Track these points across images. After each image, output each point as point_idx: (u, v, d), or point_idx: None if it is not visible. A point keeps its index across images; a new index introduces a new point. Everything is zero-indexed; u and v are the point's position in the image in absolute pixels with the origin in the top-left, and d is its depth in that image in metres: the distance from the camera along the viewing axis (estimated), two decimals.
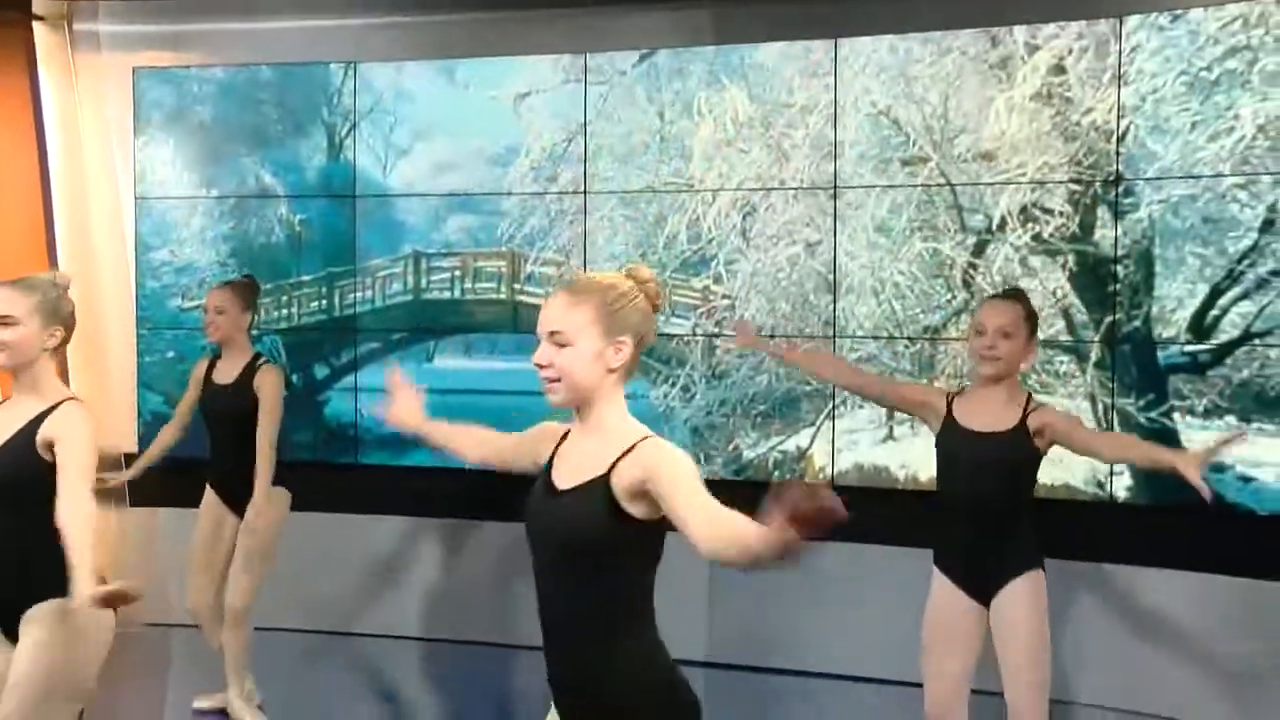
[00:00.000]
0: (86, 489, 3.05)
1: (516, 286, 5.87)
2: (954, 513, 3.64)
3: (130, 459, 6.09)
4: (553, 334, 2.37)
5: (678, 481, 2.26)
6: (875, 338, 5.39)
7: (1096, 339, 4.99)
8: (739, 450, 5.58)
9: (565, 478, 2.41)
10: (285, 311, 6.07)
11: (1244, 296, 4.79)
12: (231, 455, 4.80)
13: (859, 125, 5.38)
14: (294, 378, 5.98)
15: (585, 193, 5.75)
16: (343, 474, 6.10)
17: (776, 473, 5.53)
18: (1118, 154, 4.97)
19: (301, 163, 6.08)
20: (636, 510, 2.29)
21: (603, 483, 2.32)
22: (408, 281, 5.99)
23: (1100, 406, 5.00)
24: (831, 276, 5.44)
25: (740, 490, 5.44)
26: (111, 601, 2.87)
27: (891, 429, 5.37)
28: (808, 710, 5.36)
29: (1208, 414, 4.86)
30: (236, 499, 4.88)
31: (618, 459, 2.33)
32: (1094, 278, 5.03)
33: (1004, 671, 3.61)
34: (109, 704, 4.94)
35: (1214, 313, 4.84)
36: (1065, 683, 4.89)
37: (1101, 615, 5.04)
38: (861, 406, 5.39)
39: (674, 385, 5.67)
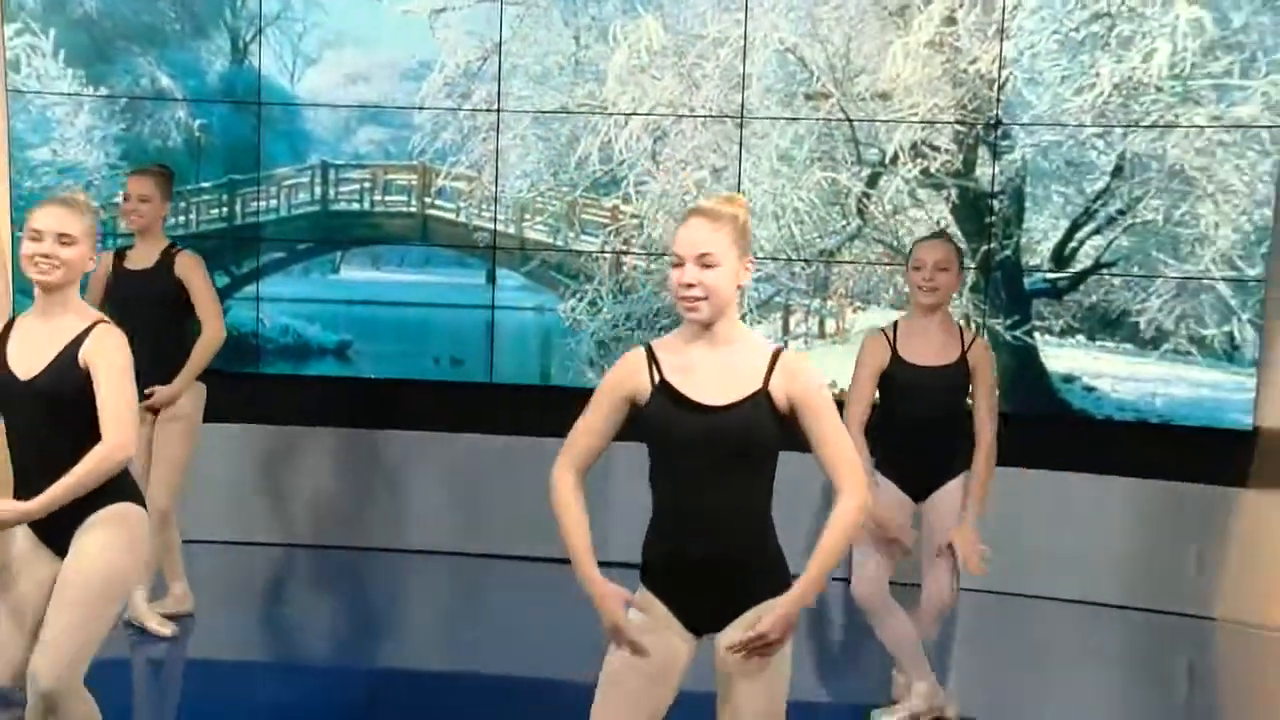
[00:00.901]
0: (127, 407, 3.15)
1: (427, 200, 6.00)
2: (899, 430, 4.07)
3: None
4: (701, 256, 2.63)
5: (824, 410, 2.63)
6: (775, 259, 5.87)
7: (974, 265, 5.66)
8: None
9: (712, 393, 2.65)
10: (183, 218, 5.96)
11: (1096, 232, 5.56)
12: (147, 344, 4.50)
13: (767, 60, 5.80)
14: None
15: (499, 110, 5.93)
16: (244, 383, 6.09)
17: None
18: (998, 100, 5.61)
19: (202, 66, 5.95)
20: (787, 415, 2.64)
21: (764, 395, 2.63)
22: (315, 192, 6.01)
23: (974, 325, 5.68)
24: None
25: None
26: None
27: (786, 343, 5.89)
28: None
29: (1063, 334, 5.64)
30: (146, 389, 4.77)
31: (768, 373, 2.64)
32: (973, 210, 5.68)
33: (931, 552, 4.13)
34: None
35: (1072, 245, 5.59)
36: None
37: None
38: (759, 321, 5.90)
39: (581, 300, 5.98)
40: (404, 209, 5.99)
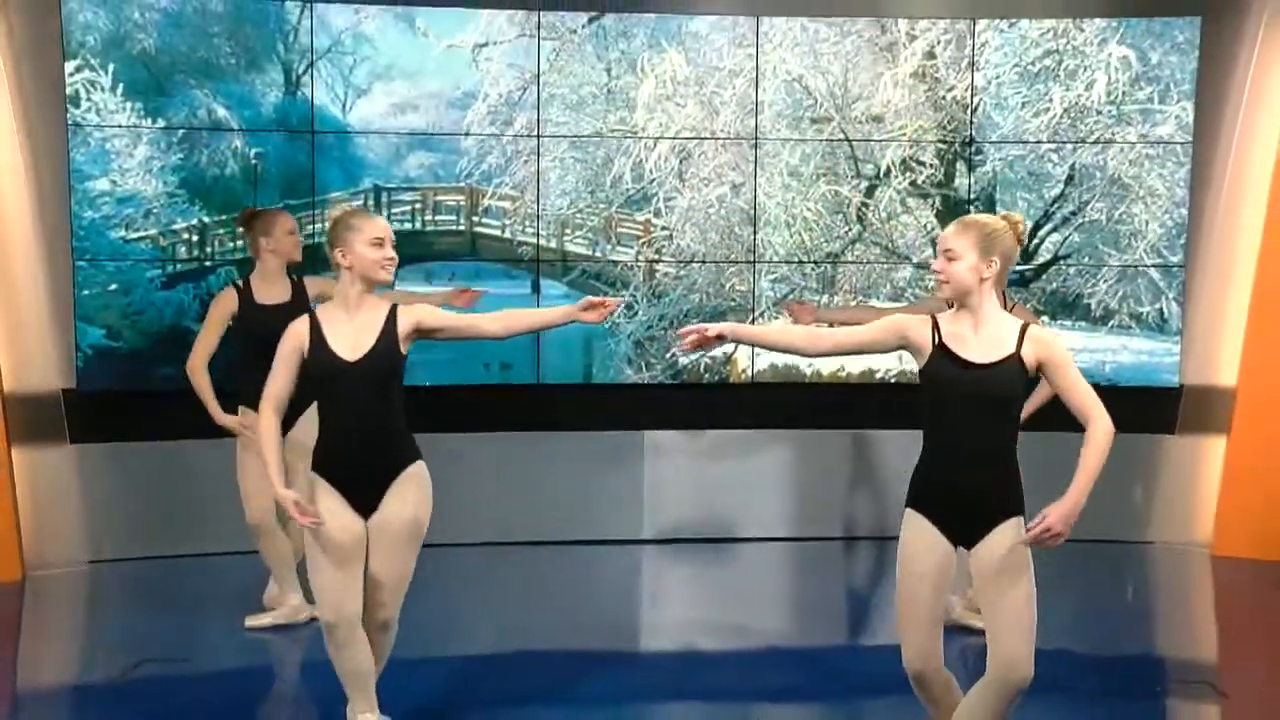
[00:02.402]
0: None
1: (475, 219, 6.52)
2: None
3: (69, 395, 6.07)
4: (946, 251, 3.46)
5: (1068, 365, 3.50)
6: (787, 262, 6.74)
7: None
8: (675, 358, 6.71)
9: (978, 354, 3.43)
10: (240, 243, 6.23)
11: (1054, 230, 6.72)
12: None
13: (776, 89, 6.64)
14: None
15: (539, 136, 6.52)
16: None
17: (707, 375, 6.74)
18: (971, 122, 6.67)
19: (256, 98, 6.23)
20: (1032, 373, 3.48)
21: (1016, 358, 3.45)
22: (358, 207, 6.39)
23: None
24: (752, 212, 6.69)
25: (676, 392, 6.70)
26: None
27: None
28: (735, 570, 6.57)
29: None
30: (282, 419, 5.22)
31: (1019, 342, 3.46)
32: (953, 215, 6.67)
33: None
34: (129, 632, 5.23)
35: (1035, 242, 6.72)
36: None
37: None
38: (776, 317, 6.75)
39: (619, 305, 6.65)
40: (453, 227, 6.49)
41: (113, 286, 6.07)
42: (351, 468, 3.76)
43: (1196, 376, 6.74)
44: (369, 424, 3.74)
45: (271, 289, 5.15)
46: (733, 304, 6.70)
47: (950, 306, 3.51)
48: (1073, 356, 3.50)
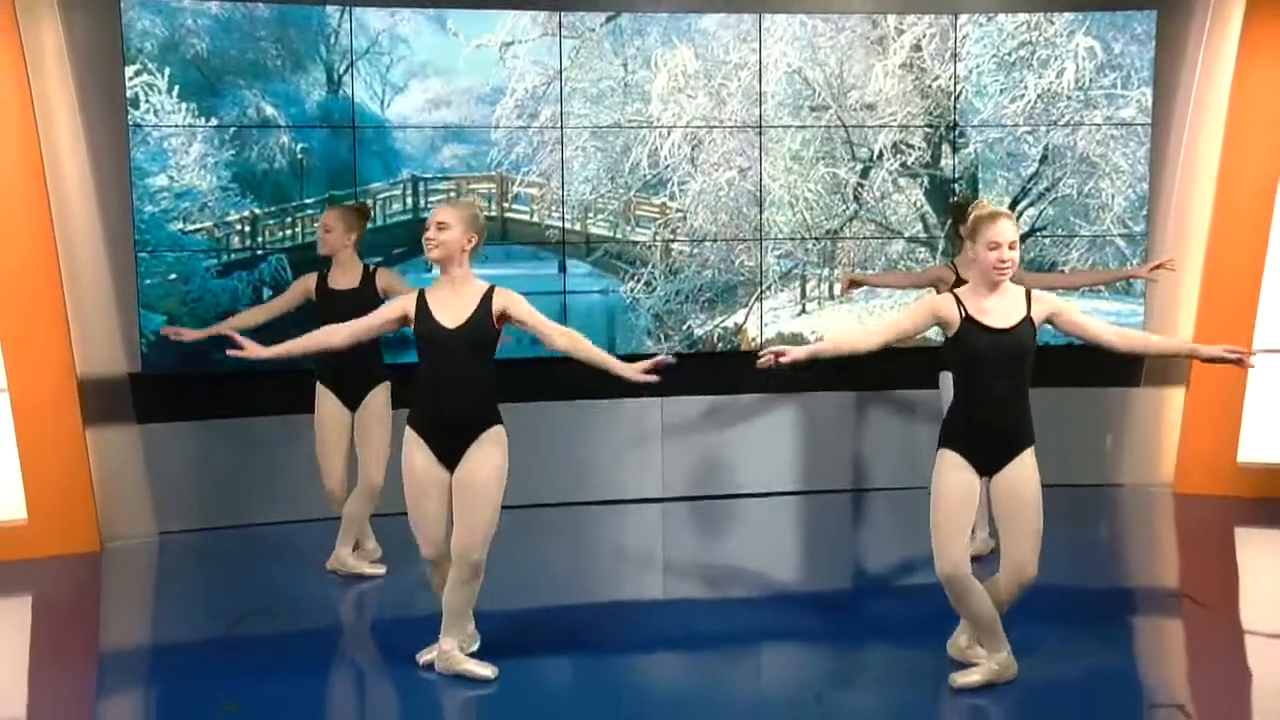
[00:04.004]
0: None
1: (505, 205, 7.03)
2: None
3: (135, 379, 6.50)
4: (1012, 243, 4.14)
5: (1077, 312, 4.18)
6: (791, 239, 7.34)
7: (942, 235, 7.36)
8: (690, 329, 7.29)
9: (999, 320, 4.17)
10: (290, 232, 6.69)
11: (1031, 205, 7.40)
12: (354, 354, 5.33)
13: (778, 80, 7.23)
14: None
15: (562, 127, 7.03)
16: None
17: (720, 345, 7.33)
18: (955, 108, 7.32)
19: (301, 96, 6.67)
20: (1040, 326, 4.19)
21: (1028, 320, 4.18)
22: (406, 202, 6.89)
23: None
24: (759, 193, 7.28)
25: (693, 360, 7.29)
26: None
27: (804, 306, 7.39)
28: (749, 523, 7.15)
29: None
30: (350, 394, 5.75)
31: (1028, 305, 4.18)
32: (940, 194, 7.38)
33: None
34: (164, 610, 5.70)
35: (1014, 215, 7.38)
36: None
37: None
38: (782, 290, 7.36)
39: (639, 281, 7.22)
40: (485, 213, 6.93)
41: (172, 276, 6.48)
42: (439, 420, 4.35)
43: (1158, 333, 7.46)
44: (460, 385, 4.35)
45: (342, 279, 5.68)
46: (742, 278, 7.28)
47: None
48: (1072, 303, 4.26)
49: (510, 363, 6.96)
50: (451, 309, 4.37)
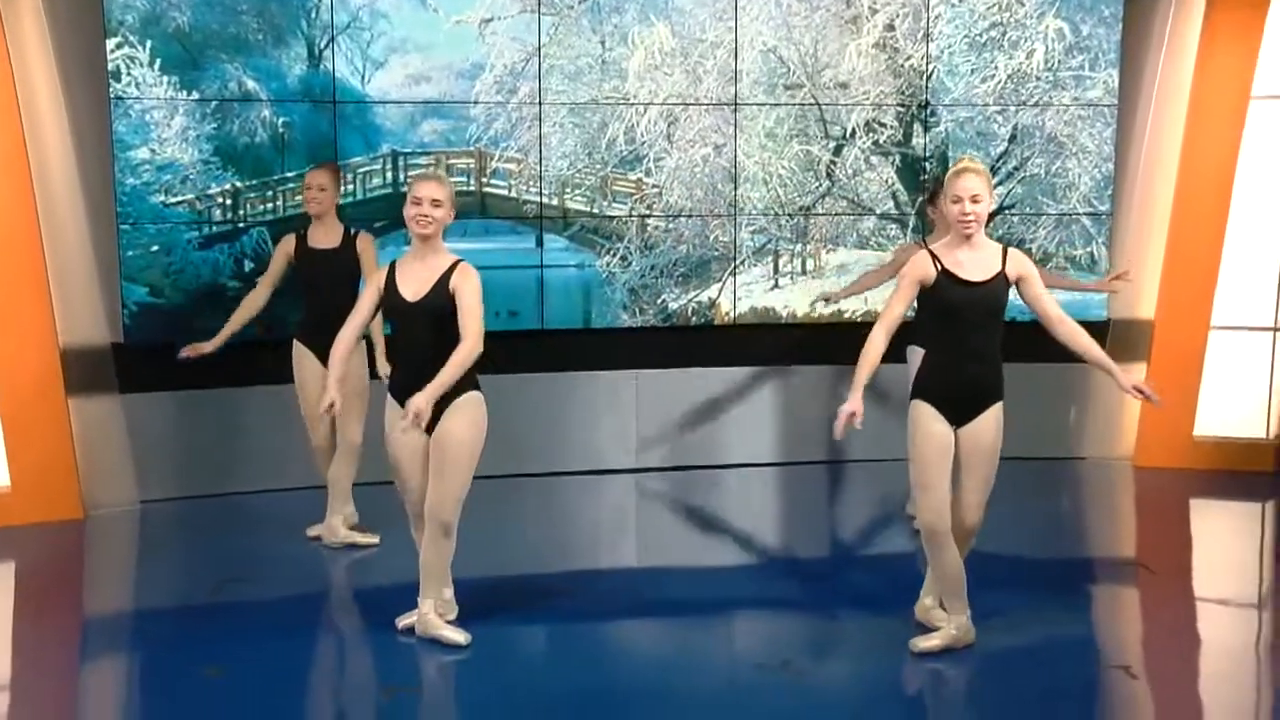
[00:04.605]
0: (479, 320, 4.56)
1: (484, 180, 7.13)
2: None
3: (118, 349, 6.59)
4: (974, 197, 4.28)
5: (1040, 283, 4.34)
6: (765, 215, 7.48)
7: (913, 211, 7.52)
8: (665, 303, 7.43)
9: (974, 274, 4.33)
10: (271, 205, 6.77)
11: (999, 184, 7.55)
12: (333, 312, 5.36)
13: (753, 59, 7.34)
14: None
15: (540, 103, 7.13)
16: None
17: (694, 319, 7.48)
18: (926, 87, 7.46)
19: (282, 71, 6.74)
20: (1013, 285, 4.35)
21: (1002, 275, 4.34)
22: (386, 176, 6.98)
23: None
24: (733, 170, 7.41)
25: (667, 334, 7.43)
26: None
27: (777, 281, 7.54)
28: (722, 494, 7.33)
29: None
30: (328, 353, 5.81)
31: (1003, 261, 4.34)
32: (911, 171, 7.53)
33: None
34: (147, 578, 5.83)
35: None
36: None
37: None
38: (755, 265, 7.50)
39: (615, 255, 7.34)
40: (464, 188, 7.08)
41: (154, 248, 6.56)
42: (409, 387, 4.46)
43: (1121, 311, 7.67)
44: (425, 353, 4.47)
45: (321, 238, 5.83)
46: (716, 254, 7.42)
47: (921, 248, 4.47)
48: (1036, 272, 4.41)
49: (486, 335, 7.07)
50: (415, 281, 4.51)
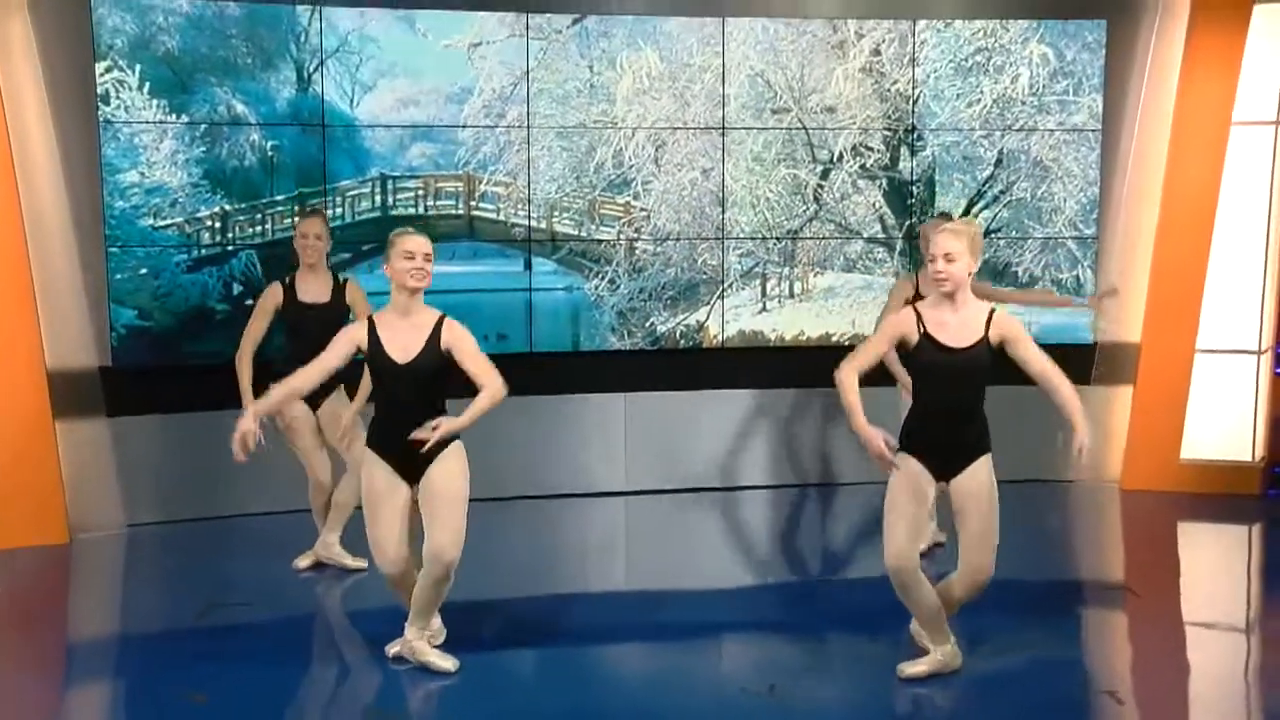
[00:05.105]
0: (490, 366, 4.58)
1: (472, 204, 7.15)
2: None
3: (106, 372, 6.58)
4: (946, 255, 4.29)
5: (1028, 344, 4.33)
6: (752, 238, 7.51)
7: (900, 235, 7.55)
8: (654, 326, 7.45)
9: (956, 339, 4.31)
10: (259, 228, 6.78)
11: (985, 208, 7.60)
12: (311, 356, 5.46)
13: (741, 83, 7.39)
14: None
15: (529, 127, 7.16)
16: None
17: (683, 342, 7.49)
18: (913, 112, 7.51)
19: (271, 94, 6.76)
20: (998, 350, 4.32)
21: (985, 341, 4.32)
22: (375, 200, 6.99)
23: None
24: (721, 194, 7.44)
25: (655, 357, 7.45)
26: None
27: (765, 304, 7.56)
28: (711, 517, 7.33)
29: None
30: (315, 398, 5.81)
31: (987, 326, 4.31)
32: (898, 195, 7.57)
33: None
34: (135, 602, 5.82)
35: (970, 217, 7.59)
36: None
37: None
38: (743, 288, 7.52)
39: (603, 279, 7.37)
40: (452, 211, 7.10)
41: (143, 271, 6.56)
42: (396, 443, 4.43)
43: (1107, 334, 7.71)
44: (414, 412, 4.42)
45: (310, 290, 5.73)
46: (704, 277, 7.44)
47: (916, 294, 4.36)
48: (1028, 336, 4.35)
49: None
50: (402, 340, 4.42)
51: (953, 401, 4.32)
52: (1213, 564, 6.49)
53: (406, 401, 4.43)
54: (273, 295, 5.70)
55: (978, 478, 4.36)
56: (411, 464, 4.48)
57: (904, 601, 4.50)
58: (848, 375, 4.33)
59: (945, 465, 4.40)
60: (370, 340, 4.44)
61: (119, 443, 6.64)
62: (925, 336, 4.30)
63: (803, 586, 6.09)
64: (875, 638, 4.94)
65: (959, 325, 4.28)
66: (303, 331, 5.60)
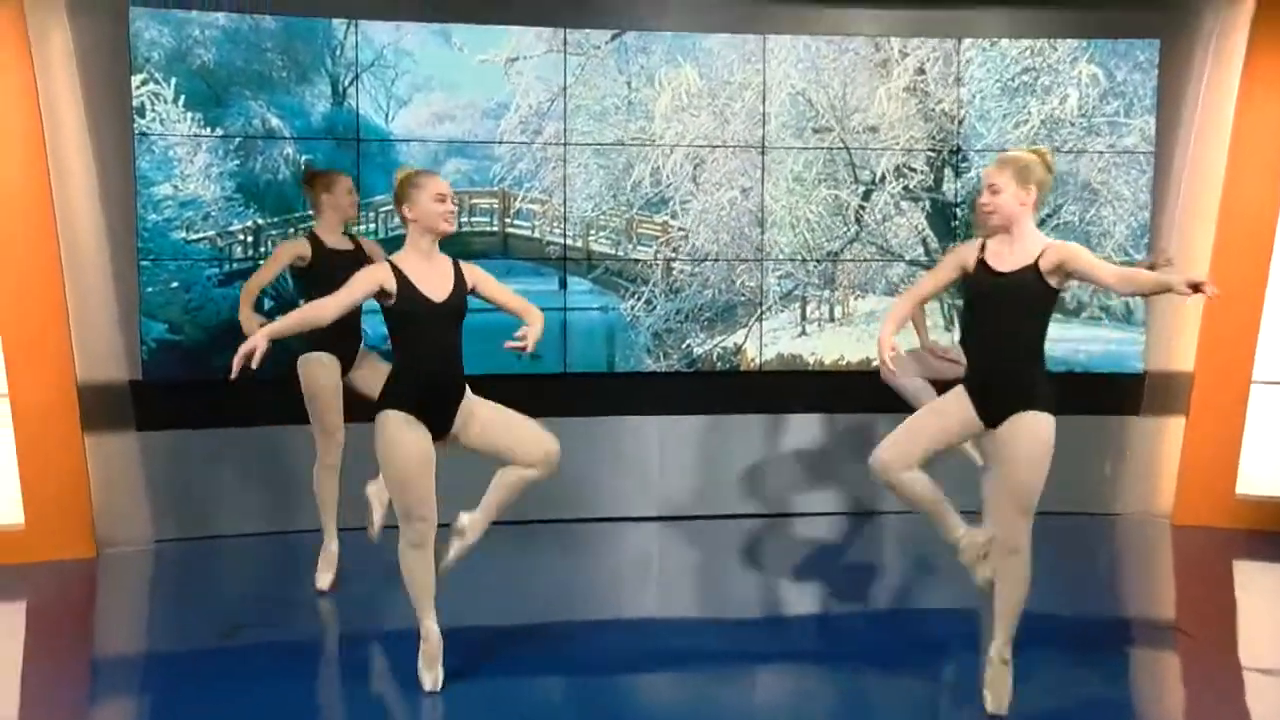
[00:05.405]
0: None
1: (507, 220, 7.05)
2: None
3: (136, 386, 6.51)
4: (990, 186, 4.15)
5: (1083, 259, 4.09)
6: (792, 260, 7.35)
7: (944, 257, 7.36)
8: (690, 348, 7.30)
9: (1006, 264, 4.15)
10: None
11: None
12: (351, 316, 5.18)
13: (782, 101, 7.25)
14: (299, 303, 6.65)
15: (565, 144, 7.06)
16: None
17: (719, 364, 7.34)
18: (958, 132, 7.34)
19: (306, 108, 6.70)
20: (1053, 282, 4.13)
21: (1034, 266, 4.11)
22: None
23: (945, 305, 7.39)
24: (760, 214, 7.30)
25: (691, 379, 7.29)
26: None
27: (804, 327, 7.40)
28: (747, 544, 7.13)
29: None
30: (346, 355, 5.70)
31: (1040, 253, 4.11)
32: (942, 217, 7.39)
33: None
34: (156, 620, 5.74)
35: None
36: None
37: None
38: (782, 310, 7.36)
39: (639, 299, 7.23)
40: (487, 228, 7.01)
41: (174, 284, 6.50)
42: (432, 391, 4.34)
43: (1159, 363, 7.47)
44: (449, 354, 4.37)
45: (337, 241, 5.64)
46: (742, 299, 7.29)
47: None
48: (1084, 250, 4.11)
49: (505, 379, 6.98)
50: (433, 282, 4.35)
51: (1002, 335, 4.14)
52: (1271, 605, 6.22)
53: (443, 345, 4.35)
54: (297, 245, 5.57)
55: (1021, 425, 4.11)
56: (446, 414, 4.37)
57: (903, 502, 4.34)
58: (902, 301, 4.37)
59: (988, 410, 4.20)
60: (399, 281, 4.30)
61: (148, 457, 6.57)
62: (980, 262, 4.20)
63: (842, 619, 5.89)
64: (914, 674, 4.74)
65: (1013, 254, 4.14)
66: (332, 280, 5.34)
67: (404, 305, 4.30)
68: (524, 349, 4.36)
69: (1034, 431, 4.11)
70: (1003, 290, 4.14)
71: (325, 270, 5.48)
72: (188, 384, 6.58)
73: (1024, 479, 4.11)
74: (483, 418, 4.44)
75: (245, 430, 6.67)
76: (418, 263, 4.36)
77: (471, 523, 4.52)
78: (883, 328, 4.29)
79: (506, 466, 4.48)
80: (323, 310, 4.27)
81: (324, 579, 5.80)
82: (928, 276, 4.40)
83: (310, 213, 6.67)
